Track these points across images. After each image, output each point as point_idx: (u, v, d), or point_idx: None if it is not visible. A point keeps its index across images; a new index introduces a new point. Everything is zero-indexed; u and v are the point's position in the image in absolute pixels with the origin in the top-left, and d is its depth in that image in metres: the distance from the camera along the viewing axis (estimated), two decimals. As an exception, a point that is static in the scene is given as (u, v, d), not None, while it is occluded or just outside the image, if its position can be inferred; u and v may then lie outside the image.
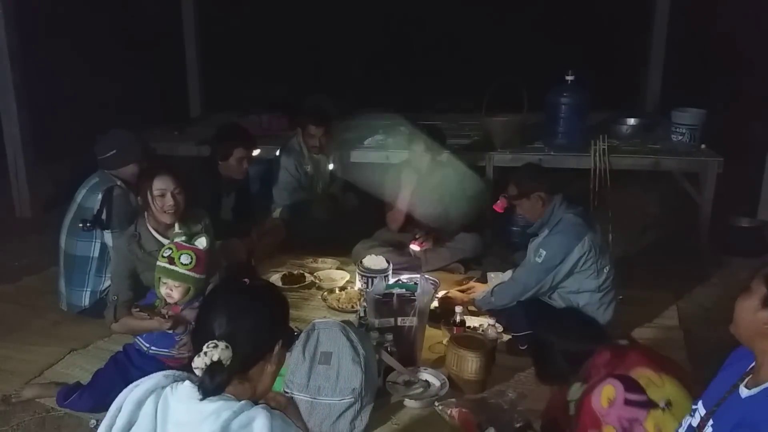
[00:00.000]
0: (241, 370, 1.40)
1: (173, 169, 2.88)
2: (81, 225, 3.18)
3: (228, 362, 1.35)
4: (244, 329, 1.40)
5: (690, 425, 1.68)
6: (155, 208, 2.79)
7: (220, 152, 3.73)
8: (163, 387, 1.40)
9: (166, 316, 2.57)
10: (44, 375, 2.84)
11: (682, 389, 1.94)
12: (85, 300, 3.25)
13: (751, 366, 1.59)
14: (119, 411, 1.39)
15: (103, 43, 6.17)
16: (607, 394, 1.94)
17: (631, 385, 1.93)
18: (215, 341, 1.36)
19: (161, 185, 2.77)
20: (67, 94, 5.72)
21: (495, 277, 3.39)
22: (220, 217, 3.74)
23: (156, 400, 1.38)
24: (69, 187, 3.50)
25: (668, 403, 1.89)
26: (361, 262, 3.63)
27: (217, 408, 1.33)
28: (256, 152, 3.92)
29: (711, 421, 1.59)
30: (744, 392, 1.55)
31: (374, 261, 3.61)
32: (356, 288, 3.62)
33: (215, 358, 1.34)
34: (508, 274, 3.33)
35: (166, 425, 1.35)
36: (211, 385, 1.34)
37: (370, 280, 3.46)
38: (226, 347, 1.35)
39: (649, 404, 1.91)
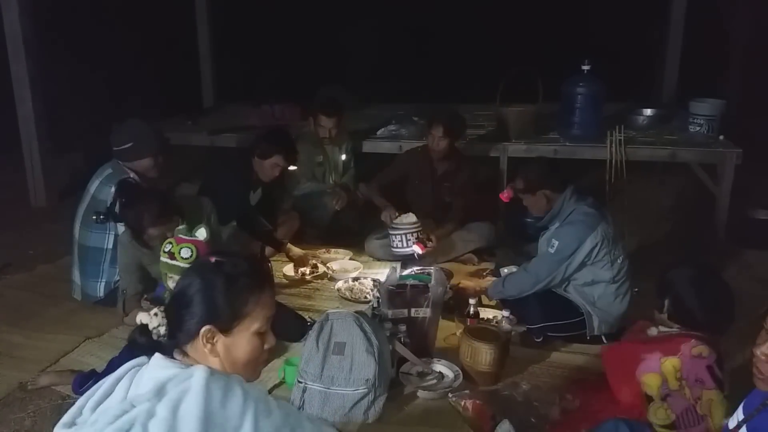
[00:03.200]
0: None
1: (160, 210, 2.83)
2: (94, 217, 3.16)
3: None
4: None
5: (726, 426, 1.71)
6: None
7: (261, 150, 3.69)
8: (142, 365, 1.41)
9: None
10: (60, 363, 2.86)
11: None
12: (100, 291, 3.26)
13: None
14: (100, 387, 1.41)
15: (117, 33, 6.18)
16: (701, 350, 2.21)
17: (720, 361, 2.21)
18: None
19: (156, 233, 2.77)
20: (80, 84, 5.74)
21: (508, 272, 3.37)
22: (246, 207, 3.75)
23: (132, 376, 1.39)
24: (83, 176, 3.51)
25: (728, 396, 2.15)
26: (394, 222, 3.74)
27: (164, 371, 1.34)
28: (292, 168, 3.92)
29: (744, 429, 1.61)
30: None
31: (405, 218, 3.71)
32: (370, 279, 3.61)
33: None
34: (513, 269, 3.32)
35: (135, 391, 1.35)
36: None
37: (402, 237, 3.64)
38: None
39: (721, 384, 2.19)
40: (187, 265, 2.55)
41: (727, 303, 2.33)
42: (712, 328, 2.29)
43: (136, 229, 2.92)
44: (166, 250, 2.58)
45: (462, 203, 4.03)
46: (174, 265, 2.56)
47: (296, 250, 3.86)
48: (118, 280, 3.17)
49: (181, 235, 2.61)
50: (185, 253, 2.56)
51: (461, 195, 4.02)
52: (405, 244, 3.63)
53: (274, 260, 3.87)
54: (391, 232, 3.74)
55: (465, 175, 4.02)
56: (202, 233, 2.62)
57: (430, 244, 3.73)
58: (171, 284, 2.61)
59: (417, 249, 3.69)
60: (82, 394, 2.52)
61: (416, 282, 3.02)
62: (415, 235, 3.69)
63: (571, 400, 2.45)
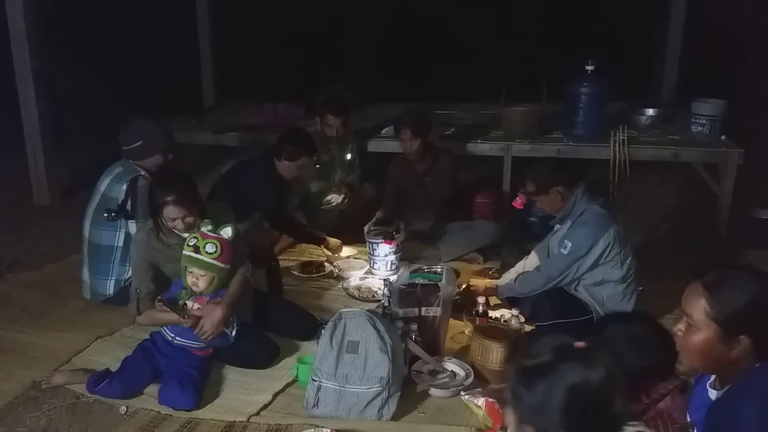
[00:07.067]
0: None
1: (185, 192, 2.71)
2: (106, 215, 3.18)
3: None
4: None
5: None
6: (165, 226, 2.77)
7: (288, 152, 3.70)
8: None
9: (185, 317, 2.58)
10: (72, 362, 2.87)
11: None
12: (110, 289, 3.27)
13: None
14: None
15: (120, 31, 6.18)
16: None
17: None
18: None
19: (172, 215, 2.69)
20: (83, 82, 5.73)
21: (507, 274, 3.39)
22: (282, 207, 3.85)
23: None
24: (86, 174, 3.51)
25: None
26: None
27: None
28: (317, 166, 4.02)
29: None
30: (713, 394, 1.62)
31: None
32: (377, 278, 3.64)
33: None
34: (520, 265, 3.34)
35: None
36: None
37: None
38: None
39: None
40: (210, 260, 2.58)
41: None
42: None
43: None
44: (191, 243, 2.61)
45: (436, 189, 4.09)
46: (198, 259, 2.59)
47: (333, 241, 4.00)
48: (128, 278, 3.17)
49: (207, 231, 2.63)
50: (210, 248, 2.60)
51: (436, 183, 4.09)
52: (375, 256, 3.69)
53: (282, 258, 3.89)
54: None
55: (443, 164, 4.10)
56: (227, 232, 2.66)
57: (397, 236, 3.74)
58: (190, 280, 2.63)
59: (385, 246, 3.70)
60: (96, 393, 2.58)
61: (426, 281, 3.04)
62: (381, 237, 3.72)
63: None
